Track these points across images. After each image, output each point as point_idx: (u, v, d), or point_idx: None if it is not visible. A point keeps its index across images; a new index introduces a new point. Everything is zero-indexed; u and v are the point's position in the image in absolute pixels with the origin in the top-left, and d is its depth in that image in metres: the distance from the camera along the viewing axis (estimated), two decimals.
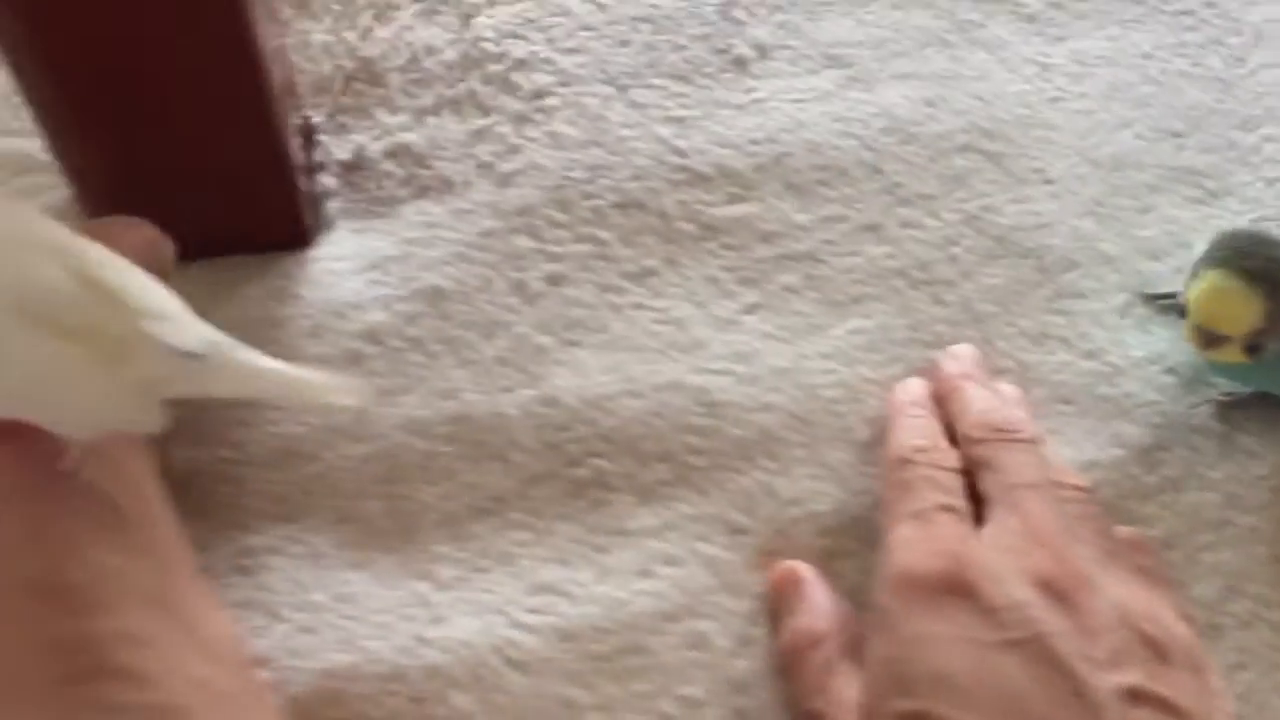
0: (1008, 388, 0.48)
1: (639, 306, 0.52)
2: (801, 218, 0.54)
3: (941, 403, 0.47)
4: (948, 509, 0.41)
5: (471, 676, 0.42)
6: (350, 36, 0.59)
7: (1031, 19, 0.62)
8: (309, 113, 0.56)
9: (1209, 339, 0.46)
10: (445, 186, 0.54)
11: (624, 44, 0.60)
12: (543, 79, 0.58)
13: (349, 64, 0.58)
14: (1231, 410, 0.49)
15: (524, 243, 0.53)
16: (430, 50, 0.59)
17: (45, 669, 0.33)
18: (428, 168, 0.55)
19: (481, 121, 0.57)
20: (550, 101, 0.57)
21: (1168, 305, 0.52)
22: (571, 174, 0.55)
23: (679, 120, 0.57)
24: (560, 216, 0.53)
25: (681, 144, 0.56)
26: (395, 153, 0.55)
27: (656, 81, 0.58)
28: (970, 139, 0.57)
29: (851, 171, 0.56)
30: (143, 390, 0.34)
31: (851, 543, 0.46)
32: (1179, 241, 0.54)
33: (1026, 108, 0.59)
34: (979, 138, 0.57)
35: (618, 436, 0.48)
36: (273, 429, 0.47)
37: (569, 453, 0.47)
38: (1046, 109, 0.59)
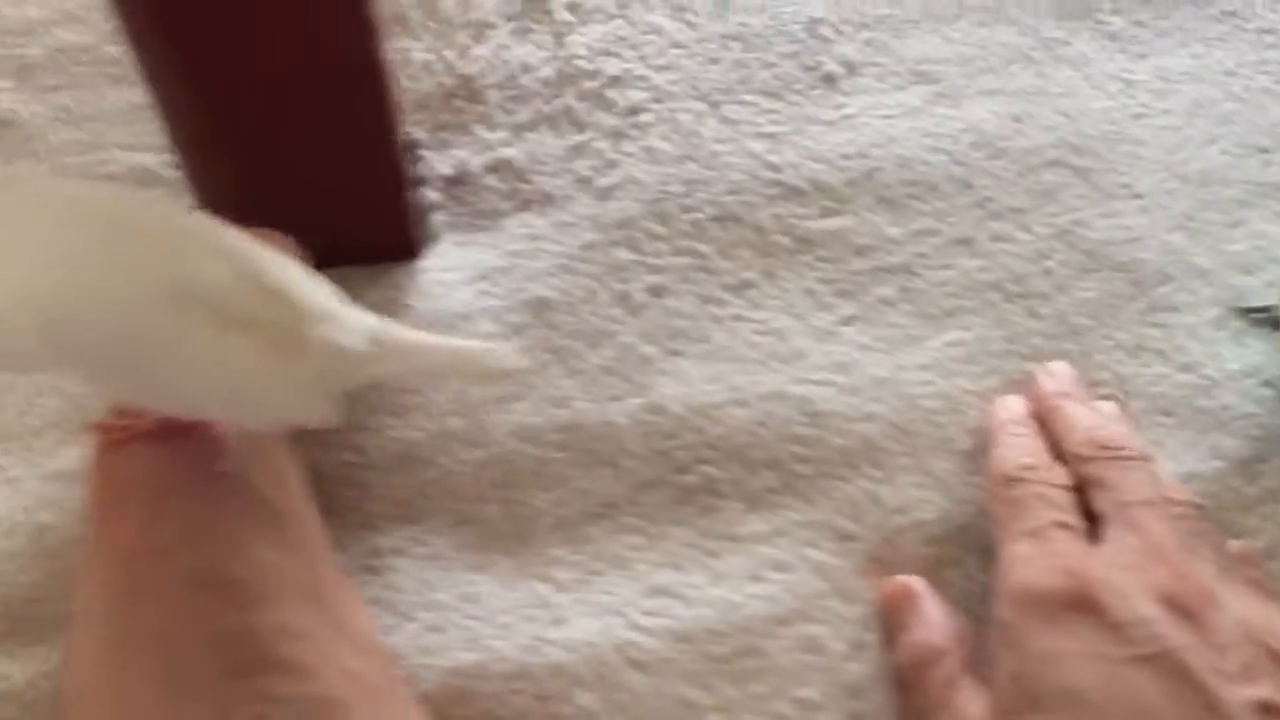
0: (1107, 405, 0.49)
1: (739, 318, 0.53)
2: (894, 231, 0.55)
3: (1042, 420, 0.48)
4: (1063, 526, 0.42)
5: (595, 675, 0.43)
6: (449, 54, 0.60)
7: (1114, 36, 0.63)
8: (411, 129, 0.57)
9: None
10: (546, 200, 0.56)
11: (714, 61, 0.61)
12: (637, 95, 0.59)
13: (448, 81, 0.59)
14: None
15: (625, 255, 0.54)
16: (526, 67, 0.60)
17: (210, 661, 0.34)
18: (528, 182, 0.56)
19: (578, 137, 0.58)
20: (645, 117, 0.58)
21: (1262, 319, 0.52)
22: (668, 188, 0.56)
23: (771, 136, 0.58)
24: (659, 229, 0.54)
25: (774, 159, 0.57)
26: (496, 167, 0.57)
27: (748, 98, 0.60)
28: (1058, 154, 0.58)
29: (942, 186, 0.57)
30: (316, 384, 0.35)
31: (958, 551, 0.47)
32: (1270, 256, 0.55)
33: (1112, 124, 0.59)
34: (1067, 153, 0.58)
35: (724, 444, 0.49)
36: (392, 434, 0.48)
37: (677, 460, 0.48)
38: (1132, 125, 0.60)
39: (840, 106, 0.59)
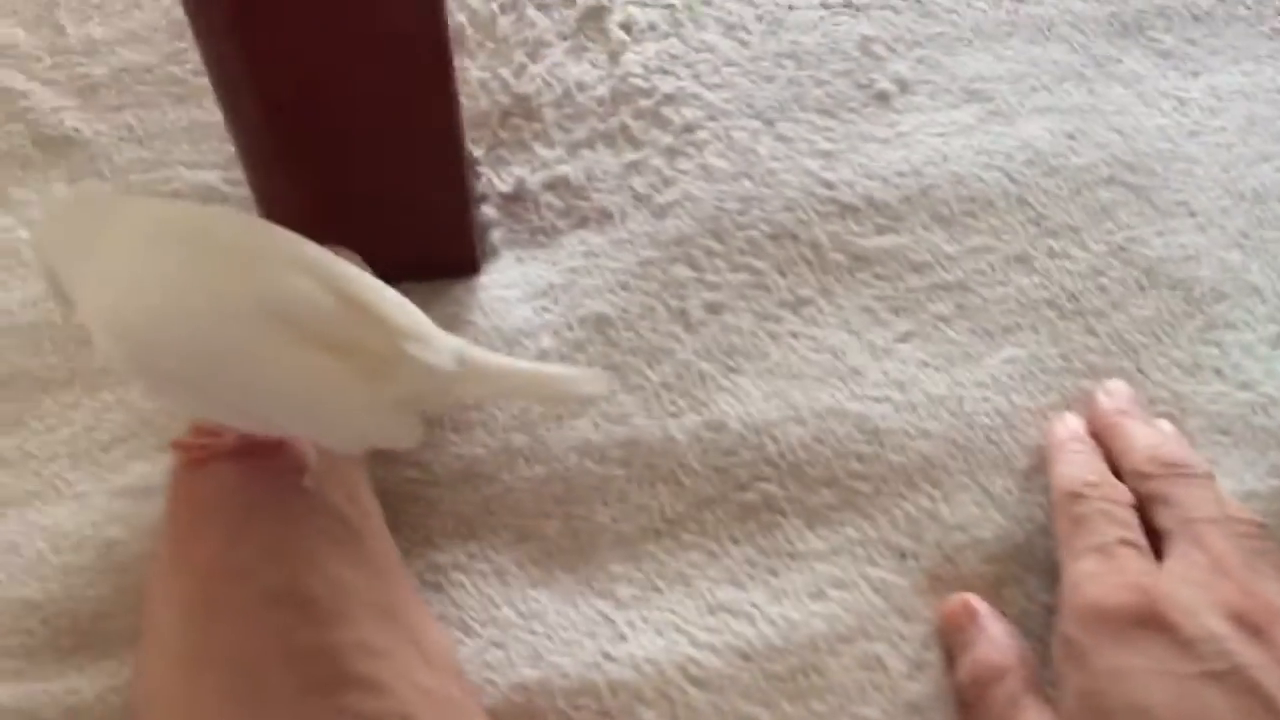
0: (1164, 424, 0.49)
1: (796, 335, 0.53)
2: (950, 248, 0.56)
3: (1101, 438, 0.48)
4: (1128, 543, 0.42)
5: (657, 693, 0.43)
6: (505, 73, 0.61)
7: (1166, 54, 0.63)
8: (469, 146, 0.58)
9: None
10: (603, 217, 0.56)
11: (769, 79, 0.61)
12: (691, 113, 0.60)
13: (505, 99, 0.60)
14: None
15: (683, 272, 0.54)
16: (582, 86, 0.60)
17: (287, 677, 0.34)
18: (585, 199, 0.57)
19: (634, 154, 0.58)
20: (700, 135, 0.59)
21: None
22: (725, 205, 0.56)
23: (825, 153, 0.58)
24: (716, 246, 0.55)
25: (829, 176, 0.57)
26: (553, 185, 0.57)
27: (802, 115, 0.60)
28: (1113, 171, 0.58)
29: (997, 203, 0.57)
30: (403, 404, 0.35)
31: (1018, 569, 0.47)
32: None
33: (1167, 141, 0.59)
34: (1121, 170, 0.58)
35: (783, 461, 0.49)
36: (455, 450, 0.48)
37: (737, 477, 0.49)
38: (1186, 142, 0.60)
39: (894, 124, 0.60)
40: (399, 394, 0.35)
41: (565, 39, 0.62)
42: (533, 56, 0.61)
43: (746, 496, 0.48)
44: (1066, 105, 0.61)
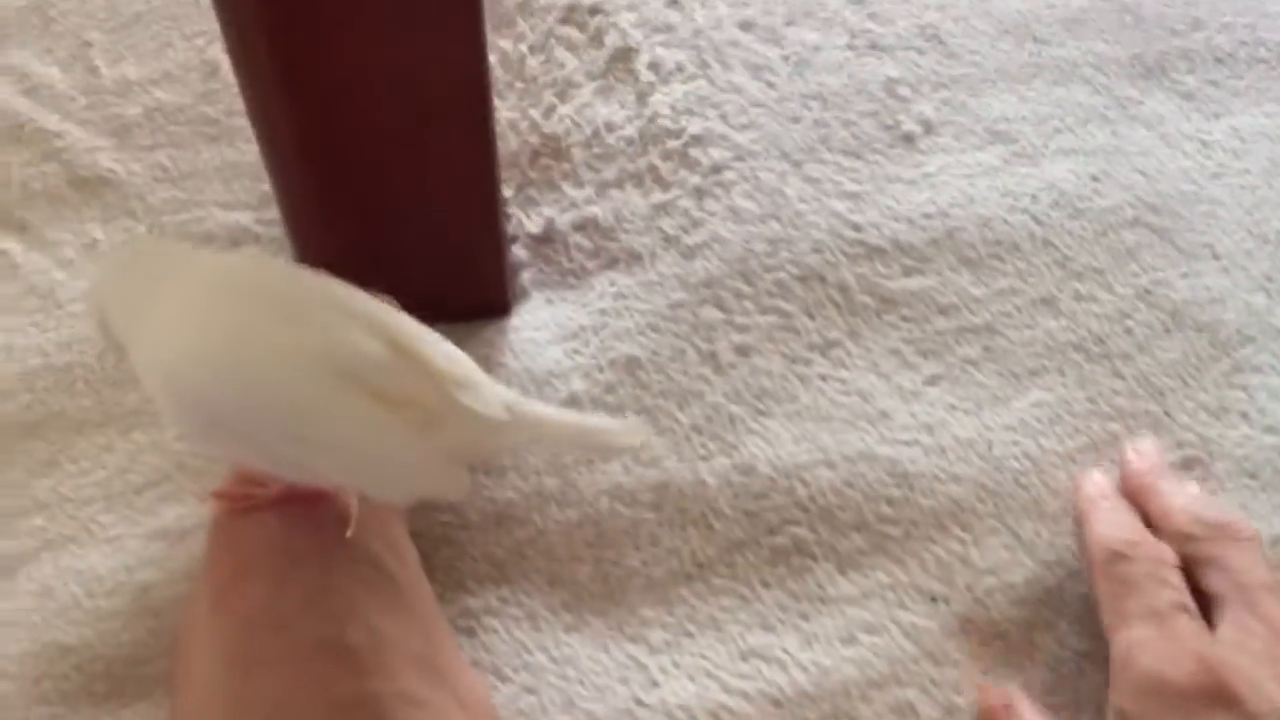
0: (1192, 485, 0.48)
1: (825, 378, 0.53)
2: (977, 291, 0.56)
3: (1135, 499, 0.47)
4: (1181, 608, 0.41)
5: None
6: (534, 114, 0.61)
7: (1189, 96, 0.63)
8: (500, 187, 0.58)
9: None
10: (632, 258, 0.56)
11: (795, 120, 0.62)
12: (719, 154, 0.60)
13: (534, 140, 0.60)
14: None
15: (712, 314, 0.54)
16: (610, 126, 0.61)
17: None
18: (614, 240, 0.57)
19: (663, 195, 0.59)
20: (727, 175, 0.59)
21: None
22: (753, 247, 0.57)
23: (852, 195, 0.59)
24: (745, 288, 0.55)
25: (856, 218, 0.58)
26: (583, 225, 0.58)
27: (828, 156, 0.60)
28: (1137, 213, 0.58)
29: (1023, 245, 0.57)
30: (454, 454, 0.35)
31: (1049, 613, 0.47)
32: None
33: (1190, 183, 0.60)
34: (1146, 212, 0.59)
35: (813, 505, 0.49)
36: (487, 494, 0.49)
37: (767, 521, 0.49)
38: (1210, 184, 0.60)
39: (919, 165, 0.60)
40: (450, 444, 0.35)
41: (594, 80, 0.63)
42: (561, 97, 0.62)
43: (777, 540, 0.49)
44: (1090, 147, 0.61)
